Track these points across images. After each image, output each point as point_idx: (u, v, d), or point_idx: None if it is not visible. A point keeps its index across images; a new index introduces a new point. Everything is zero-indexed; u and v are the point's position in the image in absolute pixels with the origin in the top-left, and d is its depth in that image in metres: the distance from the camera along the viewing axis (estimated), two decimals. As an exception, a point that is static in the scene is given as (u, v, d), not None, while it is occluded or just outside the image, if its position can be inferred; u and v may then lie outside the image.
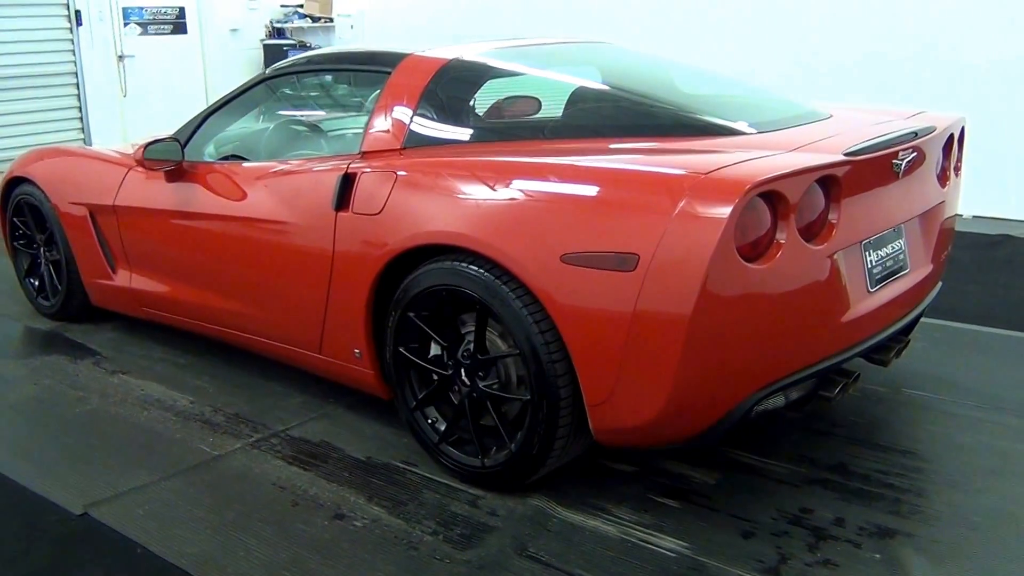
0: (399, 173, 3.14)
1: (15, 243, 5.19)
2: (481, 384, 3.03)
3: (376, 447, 3.49)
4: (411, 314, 3.13)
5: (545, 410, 2.82)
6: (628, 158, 2.87)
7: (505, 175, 2.88)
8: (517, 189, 2.81)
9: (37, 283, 5.17)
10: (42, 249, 5.04)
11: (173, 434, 3.67)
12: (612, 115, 3.28)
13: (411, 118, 3.34)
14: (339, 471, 3.32)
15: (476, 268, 2.88)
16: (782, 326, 2.70)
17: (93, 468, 3.39)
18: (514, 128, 3.39)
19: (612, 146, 3.02)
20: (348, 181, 3.29)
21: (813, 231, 2.75)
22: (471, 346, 3.04)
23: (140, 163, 3.95)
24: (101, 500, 3.15)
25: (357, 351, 3.38)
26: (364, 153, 3.37)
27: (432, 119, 3.36)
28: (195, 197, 3.93)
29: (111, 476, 3.32)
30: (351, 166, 3.31)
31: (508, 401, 3.00)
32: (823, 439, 3.47)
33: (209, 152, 4.12)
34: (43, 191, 4.77)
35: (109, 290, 4.60)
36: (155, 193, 4.12)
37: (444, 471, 3.25)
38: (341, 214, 3.27)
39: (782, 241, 2.62)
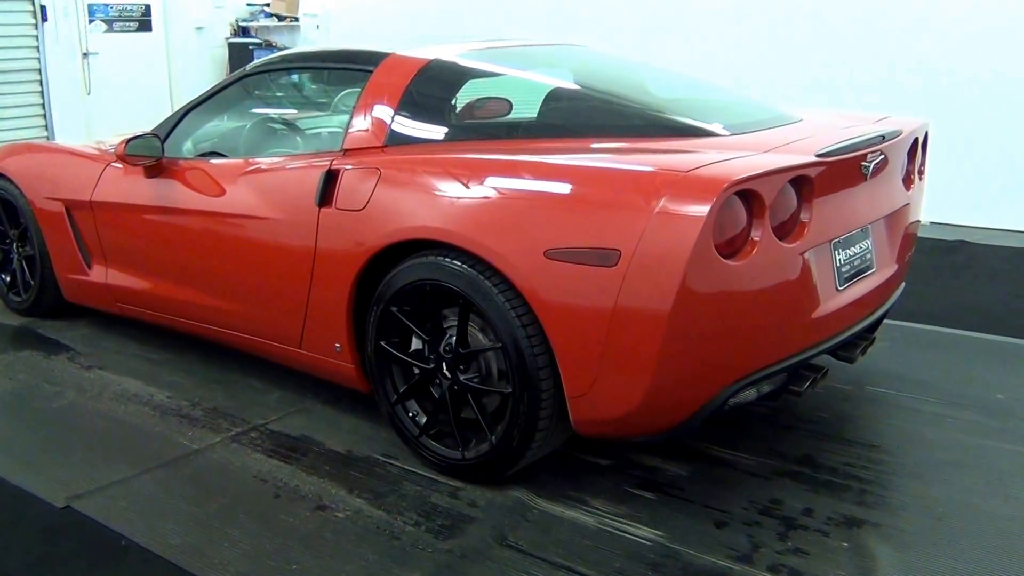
0: (382, 170, 3.20)
1: (-15, 238, 5.17)
2: (462, 377, 3.10)
3: (356, 440, 3.54)
4: (393, 309, 3.19)
5: (526, 403, 2.90)
6: (608, 156, 2.96)
7: (489, 171, 2.95)
8: (501, 185, 2.89)
9: (8, 279, 5.16)
10: (15, 245, 5.03)
11: (152, 428, 3.70)
12: (589, 115, 3.37)
13: (392, 116, 3.40)
14: (320, 464, 3.37)
15: (459, 263, 2.94)
16: (756, 322, 2.79)
17: (73, 462, 3.42)
18: (494, 127, 3.46)
19: (592, 145, 3.10)
20: (331, 178, 3.34)
21: (786, 230, 2.85)
22: (453, 340, 3.10)
23: (121, 158, 3.97)
24: (83, 493, 3.17)
25: (337, 345, 3.44)
26: (346, 151, 3.43)
27: (413, 118, 3.42)
28: (174, 193, 3.96)
29: (92, 470, 3.35)
30: (334, 163, 3.37)
31: (489, 394, 3.07)
32: (791, 433, 3.57)
33: (188, 148, 4.15)
34: (17, 186, 4.76)
35: (84, 286, 4.61)
36: (133, 189, 4.14)
37: (424, 464, 3.31)
38: (324, 210, 3.33)
39: (757, 239, 2.71)
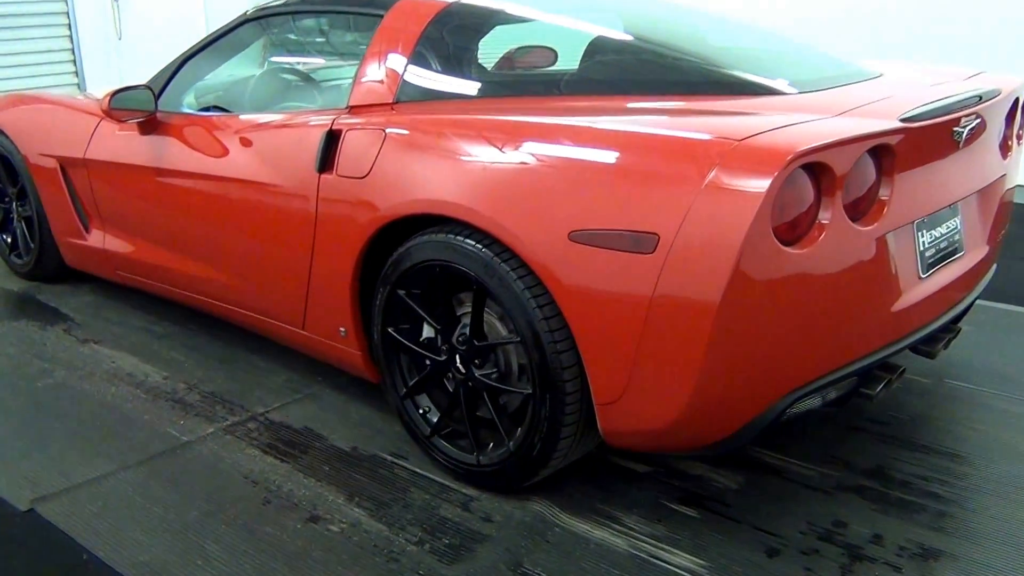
0: (389, 131, 2.77)
1: (-15, 196, 4.84)
2: (478, 373, 2.68)
3: (363, 435, 3.15)
4: (401, 292, 2.78)
5: (548, 406, 2.47)
6: (649, 120, 2.48)
7: (508, 137, 2.50)
8: (521, 153, 2.44)
9: (9, 240, 4.83)
10: (14, 203, 4.69)
11: (141, 415, 3.33)
12: (633, 69, 2.89)
13: (405, 68, 2.96)
14: (319, 463, 2.98)
15: (473, 243, 2.52)
16: (823, 319, 2.33)
17: (48, 454, 3.07)
18: (522, 83, 3.00)
19: (631, 105, 2.64)
20: (333, 139, 2.92)
21: (860, 209, 2.38)
22: (467, 330, 2.68)
23: (106, 114, 3.57)
24: (51, 493, 2.83)
25: (342, 329, 3.03)
26: (352, 107, 3.00)
27: (429, 69, 2.98)
28: (170, 152, 3.56)
29: (66, 464, 3.00)
30: (336, 122, 2.94)
31: (508, 393, 2.65)
32: (858, 437, 3.11)
33: (188, 103, 3.75)
34: (12, 140, 4.41)
35: (82, 250, 4.25)
36: (127, 147, 3.75)
37: (436, 466, 2.91)
38: (324, 176, 2.91)
39: (825, 221, 2.24)
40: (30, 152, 4.30)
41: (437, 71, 2.99)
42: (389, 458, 3.00)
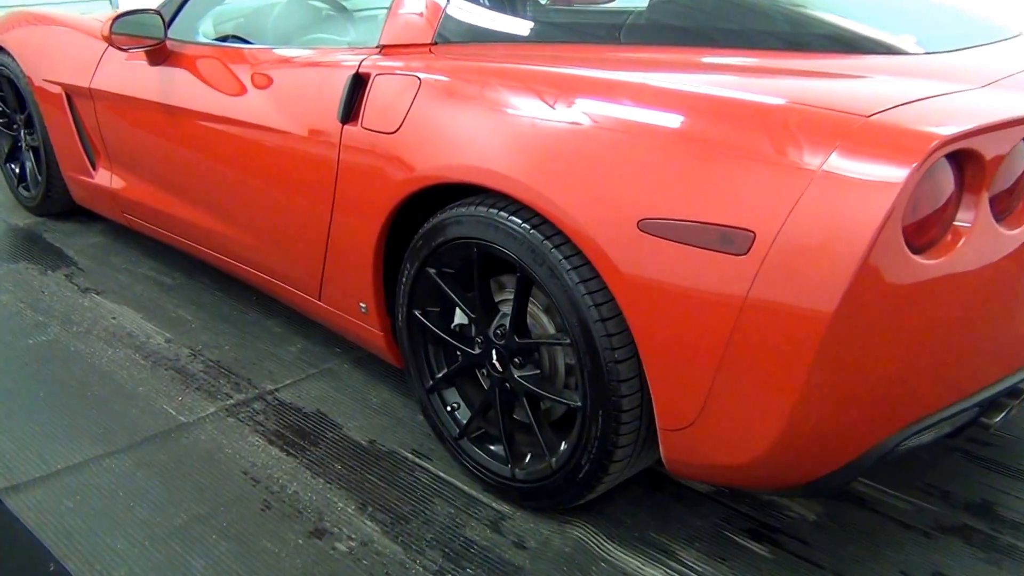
0: (424, 77, 2.31)
1: (-6, 121, 4.44)
2: (517, 374, 2.24)
3: (383, 426, 2.74)
4: (431, 270, 2.34)
5: (600, 424, 2.04)
6: (743, 82, 2.00)
7: (569, 95, 2.03)
8: (584, 118, 1.97)
9: (18, 170, 4.43)
10: (22, 131, 4.29)
11: (136, 386, 2.94)
12: (723, 15, 2.39)
13: (448, 1, 2.48)
14: (331, 459, 2.57)
15: (518, 222, 2.07)
16: (955, 340, 1.87)
17: (28, 430, 2.70)
18: (588, 25, 2.48)
19: (715, 61, 2.15)
20: (359, 84, 2.47)
21: (1005, 206, 1.89)
22: (507, 322, 2.24)
23: (107, 40, 3.12)
24: (25, 482, 2.47)
25: (362, 305, 2.61)
26: (383, 47, 2.54)
27: (476, 4, 2.50)
28: (181, 87, 3.12)
29: (46, 443, 2.64)
30: (364, 64, 2.48)
31: (552, 399, 2.22)
32: (964, 464, 2.65)
33: (204, 31, 3.29)
34: (17, 63, 3.99)
35: (89, 189, 3.85)
36: (135, 78, 3.32)
37: (463, 472, 2.49)
38: (348, 128, 2.46)
39: (965, 223, 1.77)
40: (35, 77, 3.88)
41: (486, 6, 2.51)
42: (410, 457, 2.59)
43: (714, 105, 1.86)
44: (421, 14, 2.51)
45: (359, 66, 2.48)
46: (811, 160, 1.68)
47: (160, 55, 3.20)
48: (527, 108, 2.06)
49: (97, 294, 3.60)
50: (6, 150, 4.46)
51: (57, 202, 4.22)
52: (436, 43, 2.44)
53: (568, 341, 2.05)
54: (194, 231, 3.30)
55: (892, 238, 1.65)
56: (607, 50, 2.29)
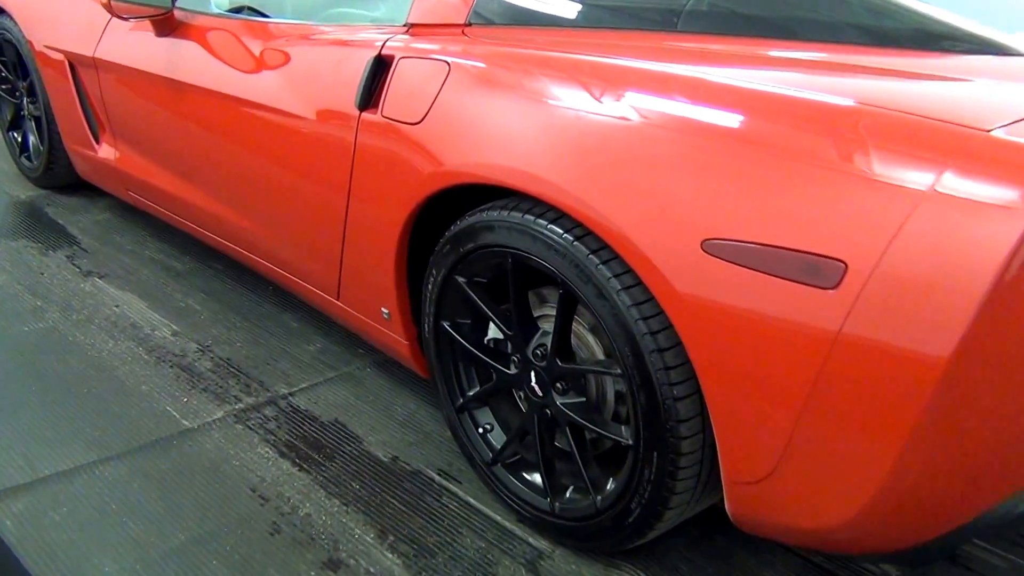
0: (455, 63, 2.03)
1: (-5, 86, 4.19)
2: (560, 401, 1.99)
3: (407, 441, 2.50)
4: (460, 279, 2.09)
5: (654, 467, 1.79)
6: (834, 83, 1.72)
7: (624, 89, 1.76)
8: (641, 116, 1.70)
9: (20, 139, 4.18)
10: (24, 99, 4.03)
11: (138, 384, 2.71)
12: (800, 2, 2.08)
13: (487, -23, 2.21)
14: (349, 478, 2.34)
15: (559, 232, 1.81)
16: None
17: (15, 427, 2.48)
18: (645, 10, 2.18)
19: (800, 55, 1.87)
20: (381, 67, 2.20)
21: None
22: (548, 341, 1.99)
23: (107, 7, 2.86)
24: (9, 488, 2.26)
25: (385, 311, 2.36)
26: (411, 26, 2.27)
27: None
28: (190, 61, 2.86)
29: (35, 445, 2.42)
30: (388, 44, 2.21)
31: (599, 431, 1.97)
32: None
33: (217, 1, 3.01)
34: (19, 27, 3.73)
35: (92, 163, 3.60)
36: (141, 49, 3.06)
37: (497, 500, 2.25)
38: (366, 115, 2.20)
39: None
40: (37, 42, 3.62)
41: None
42: (437, 479, 2.35)
43: (796, 109, 1.59)
44: (451, -9, 2.24)
45: (382, 47, 2.22)
46: (919, 179, 1.41)
47: (168, 25, 2.93)
48: (573, 104, 1.79)
49: (100, 278, 3.36)
50: (8, 118, 4.21)
51: (60, 175, 3.97)
52: (471, 24, 2.17)
53: (619, 371, 1.80)
54: (202, 216, 3.05)
55: (1020, 272, 1.38)
56: (666, 39, 2.00)
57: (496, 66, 1.97)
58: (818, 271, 1.46)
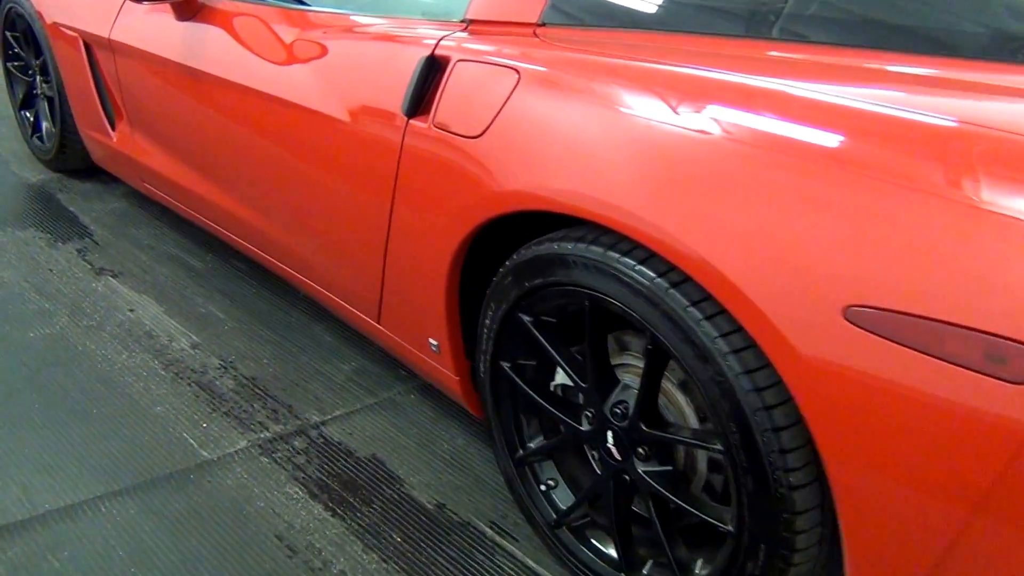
0: (526, 69, 1.74)
1: (8, 64, 3.90)
2: (642, 468, 1.71)
3: (455, 484, 2.23)
4: (524, 317, 1.80)
5: (761, 561, 1.51)
6: (985, 107, 1.42)
7: (740, 109, 1.46)
8: (764, 147, 1.40)
9: (32, 119, 3.90)
10: (38, 78, 3.75)
11: (152, 404, 2.45)
12: (940, 6, 1.74)
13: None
14: (389, 527, 2.07)
15: (651, 276, 1.52)
16: None
17: (15, 454, 2.25)
18: (753, 14, 1.85)
19: (953, 75, 1.56)
20: (434, 69, 1.90)
21: None
22: (631, 398, 1.70)
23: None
24: (4, 527, 2.02)
25: (433, 342, 2.08)
26: (470, 22, 1.96)
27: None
28: (213, 49, 2.57)
29: (36, 475, 2.17)
30: (443, 43, 1.91)
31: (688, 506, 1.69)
32: None
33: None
34: (31, 2, 3.43)
35: (107, 149, 3.33)
36: (159, 32, 2.77)
37: (559, 562, 1.97)
38: (415, 123, 1.91)
39: None
40: (50, 20, 3.34)
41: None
42: (489, 533, 2.08)
43: (974, 144, 1.29)
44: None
45: (435, 46, 1.92)
46: None
47: (189, 8, 2.64)
48: (674, 127, 1.49)
49: (113, 277, 3.09)
50: (20, 96, 3.93)
51: (73, 158, 3.70)
52: (544, 24, 1.86)
53: (719, 447, 1.51)
54: (226, 219, 2.77)
55: None
56: (788, 49, 1.69)
57: (577, 76, 1.67)
58: (1004, 359, 1.17)
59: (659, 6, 1.83)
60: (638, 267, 1.53)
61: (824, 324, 1.29)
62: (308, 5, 2.44)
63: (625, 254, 1.55)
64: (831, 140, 1.34)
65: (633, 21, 1.80)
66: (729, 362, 1.44)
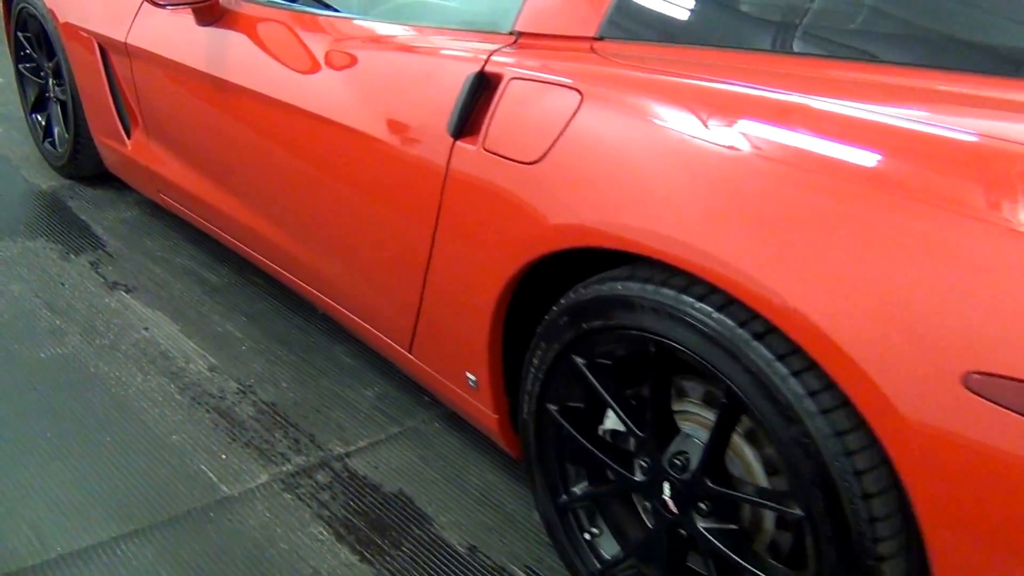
0: (590, 91, 1.60)
1: (20, 66, 3.77)
2: (702, 524, 1.57)
3: (487, 524, 2.10)
4: (578, 359, 1.66)
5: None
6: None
7: (842, 143, 1.32)
8: (872, 186, 1.26)
9: (44, 123, 3.78)
10: (50, 80, 3.62)
11: (168, 433, 2.32)
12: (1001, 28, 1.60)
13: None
14: (418, 571, 1.94)
15: (731, 325, 1.39)
16: None
17: (25, 489, 2.13)
18: (844, 33, 1.68)
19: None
20: (483, 87, 1.77)
21: None
22: (692, 449, 1.57)
23: (145, -6, 2.44)
24: (14, 573, 1.87)
25: (471, 377, 1.95)
26: (520, 35, 1.83)
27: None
28: (236, 57, 2.44)
29: (47, 513, 2.05)
30: (493, 58, 1.78)
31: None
32: None
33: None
34: (45, 2, 3.31)
35: (122, 159, 3.20)
36: (179, 37, 2.64)
37: (598, 616, 1.85)
38: (462, 144, 1.78)
39: None
40: (63, 21, 3.21)
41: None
42: (524, 580, 1.95)
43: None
44: (573, -7, 1.79)
45: (485, 61, 1.78)
46: None
47: (212, 13, 2.51)
48: (761, 158, 1.36)
49: (127, 292, 2.96)
50: (32, 99, 3.80)
51: (86, 164, 3.58)
52: (601, 38, 1.73)
53: (799, 511, 1.38)
54: (246, 234, 2.65)
55: None
56: (889, 72, 1.51)
57: (650, 99, 1.53)
58: None
59: (734, 23, 1.69)
60: (716, 314, 1.39)
61: (939, 390, 1.16)
62: (339, 12, 2.31)
63: (701, 299, 1.42)
64: (956, 182, 1.19)
65: (703, 37, 1.66)
66: (817, 423, 1.31)
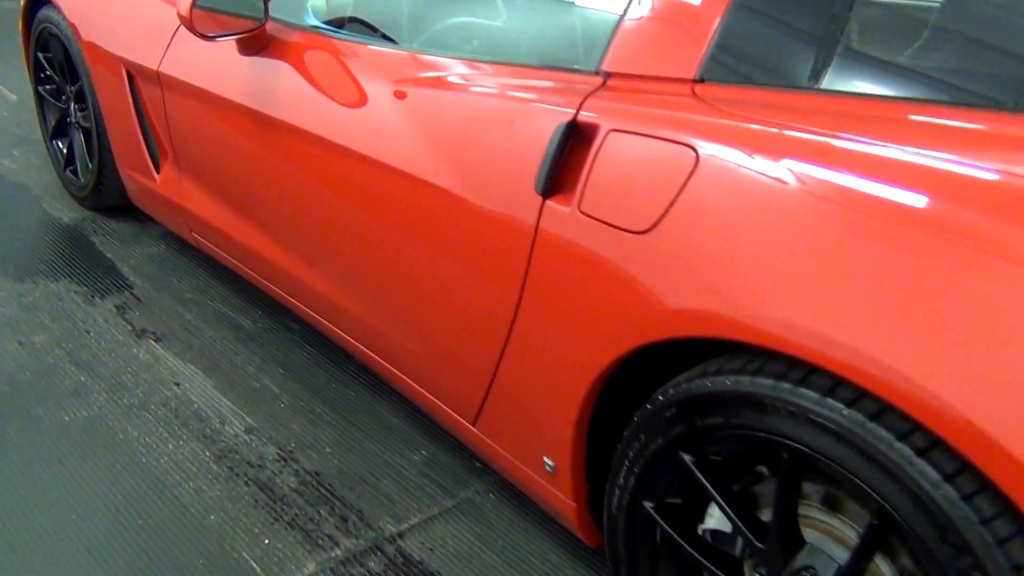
0: (705, 145, 1.36)
1: (40, 87, 3.56)
2: (832, 659, 1.34)
3: (557, 622, 1.86)
4: (686, 456, 1.42)
5: None
6: None
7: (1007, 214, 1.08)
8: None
9: (66, 151, 3.57)
10: (72, 105, 3.41)
11: (206, 512, 2.10)
12: None
13: (727, 10, 1.52)
14: None
15: (888, 439, 1.17)
16: None
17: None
18: (980, 77, 1.46)
19: None
20: (574, 138, 1.54)
21: None
22: (822, 562, 1.34)
23: (187, 26, 2.21)
24: None
25: (550, 463, 1.71)
26: (608, 75, 1.60)
27: (779, 10, 1.54)
28: (282, 90, 2.22)
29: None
30: (586, 107, 1.54)
31: None
32: None
33: (317, 7, 2.36)
34: (69, 23, 3.10)
35: (149, 193, 2.98)
36: (219, 67, 2.43)
37: None
38: (553, 204, 1.55)
39: None
40: (88, 43, 3.00)
41: (797, 21, 1.55)
42: None
43: None
44: (677, 24, 1.56)
45: (577, 109, 1.55)
46: None
47: (256, 43, 2.29)
48: (933, 240, 1.12)
49: (156, 341, 2.74)
50: (52, 124, 3.59)
51: (110, 195, 3.37)
52: (702, 80, 1.49)
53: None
54: (286, 280, 2.43)
55: None
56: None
57: (782, 161, 1.29)
58: None
59: (855, 66, 1.45)
60: (870, 425, 1.16)
61: None
62: (400, 45, 2.08)
63: (850, 404, 1.18)
64: None
65: (817, 80, 1.42)
66: (994, 555, 1.07)
